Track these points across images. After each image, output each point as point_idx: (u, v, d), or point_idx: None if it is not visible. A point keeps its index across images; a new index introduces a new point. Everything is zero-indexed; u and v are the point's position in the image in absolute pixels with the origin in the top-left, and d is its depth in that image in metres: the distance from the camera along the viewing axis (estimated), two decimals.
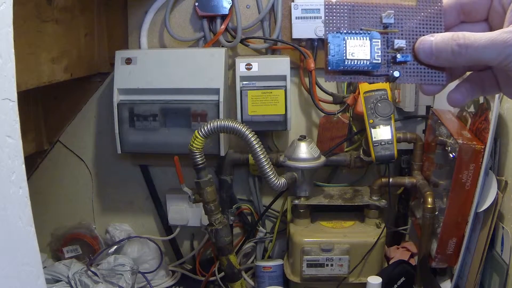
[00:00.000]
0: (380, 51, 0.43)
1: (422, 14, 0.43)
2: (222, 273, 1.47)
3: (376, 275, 1.28)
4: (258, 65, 1.42)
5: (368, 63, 0.43)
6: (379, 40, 0.43)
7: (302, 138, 1.38)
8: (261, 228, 1.61)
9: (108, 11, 1.54)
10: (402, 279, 1.33)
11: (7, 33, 0.56)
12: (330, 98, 1.51)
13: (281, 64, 1.43)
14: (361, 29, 0.43)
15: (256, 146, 1.21)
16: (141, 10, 1.55)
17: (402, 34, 0.44)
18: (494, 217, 1.07)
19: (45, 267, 1.45)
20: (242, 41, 1.49)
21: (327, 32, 0.44)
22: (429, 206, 1.23)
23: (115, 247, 1.57)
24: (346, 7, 0.43)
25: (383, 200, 1.38)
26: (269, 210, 1.60)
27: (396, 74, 0.44)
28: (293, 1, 1.47)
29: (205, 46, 1.52)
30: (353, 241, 1.32)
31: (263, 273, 1.47)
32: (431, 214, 1.23)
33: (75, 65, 1.37)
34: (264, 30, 1.52)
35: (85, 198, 1.69)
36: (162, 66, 1.42)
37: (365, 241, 1.32)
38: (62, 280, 1.42)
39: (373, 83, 0.39)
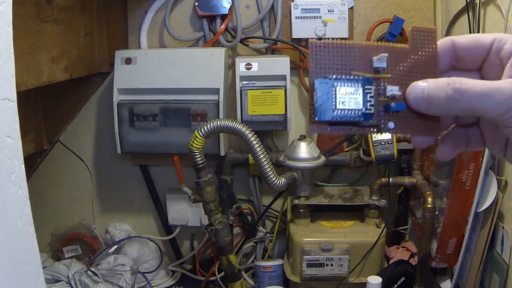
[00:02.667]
0: (373, 99, 0.38)
1: (416, 57, 0.40)
2: (222, 273, 1.47)
3: (376, 275, 1.28)
4: (258, 65, 1.42)
5: (360, 114, 0.38)
6: (372, 87, 0.38)
7: (302, 137, 1.38)
8: (261, 228, 1.61)
9: (108, 11, 1.53)
10: (402, 279, 1.33)
11: (6, 33, 0.56)
12: None
13: (281, 64, 1.43)
14: (352, 74, 0.38)
15: (256, 146, 1.21)
16: (141, 10, 1.55)
17: (394, 80, 0.39)
18: (494, 217, 1.07)
19: (45, 267, 1.45)
20: (242, 41, 1.49)
21: (313, 77, 0.38)
22: (429, 206, 1.23)
23: (115, 247, 1.57)
24: (334, 48, 0.38)
25: (383, 200, 1.38)
26: (269, 210, 1.60)
27: (391, 125, 0.39)
28: (293, 1, 1.47)
29: (205, 46, 1.52)
30: (353, 241, 1.32)
31: (263, 273, 1.47)
32: (431, 214, 1.23)
33: (75, 65, 1.37)
34: (264, 30, 1.52)
35: (85, 198, 1.69)
36: (162, 66, 1.42)
37: (365, 241, 1.32)
38: (62, 280, 1.42)
39: (362, 134, 0.36)
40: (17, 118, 0.58)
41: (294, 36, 1.48)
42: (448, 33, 1.39)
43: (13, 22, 0.57)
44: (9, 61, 0.56)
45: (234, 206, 1.56)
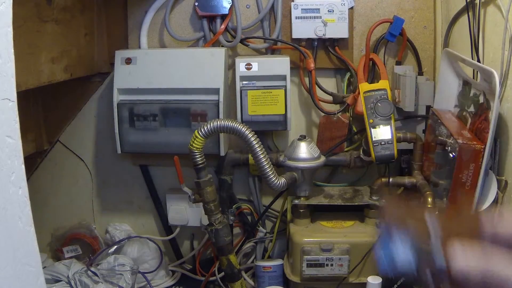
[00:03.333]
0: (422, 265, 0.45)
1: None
2: (222, 273, 1.47)
3: (376, 275, 1.28)
4: (258, 65, 1.42)
5: (412, 275, 0.46)
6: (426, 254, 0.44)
7: (302, 138, 1.38)
8: (261, 228, 1.61)
9: (108, 11, 1.53)
10: (402, 279, 1.33)
11: (6, 33, 0.56)
12: (330, 98, 1.51)
13: (281, 64, 1.43)
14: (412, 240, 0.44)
15: (256, 146, 1.21)
16: (141, 10, 1.55)
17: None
18: None
19: (45, 267, 1.45)
20: (242, 41, 1.49)
21: (382, 232, 0.46)
22: (429, 206, 1.23)
23: (115, 247, 1.57)
24: (401, 211, 0.46)
25: (383, 200, 1.37)
26: (269, 210, 1.60)
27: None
28: (293, 1, 1.47)
29: (205, 46, 1.52)
30: (353, 241, 1.32)
31: (263, 273, 1.47)
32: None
33: (75, 65, 1.37)
34: (264, 30, 1.52)
35: (85, 198, 1.69)
36: (162, 66, 1.42)
37: (365, 241, 1.32)
38: (62, 280, 1.42)
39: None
40: (17, 118, 0.58)
41: (294, 36, 1.48)
42: (448, 33, 1.39)
43: (13, 22, 0.57)
44: (9, 61, 0.56)
45: (234, 206, 1.56)
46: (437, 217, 0.43)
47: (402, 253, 0.43)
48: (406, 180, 1.39)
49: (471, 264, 0.40)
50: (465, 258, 0.41)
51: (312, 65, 1.44)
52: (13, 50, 0.57)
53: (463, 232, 0.42)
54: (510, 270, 0.39)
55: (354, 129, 1.51)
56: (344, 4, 1.45)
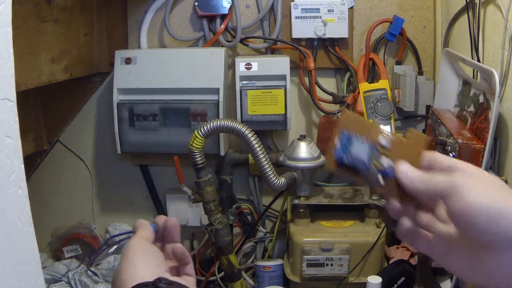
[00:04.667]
0: (372, 160, 0.53)
1: (409, 149, 0.53)
2: (222, 273, 1.47)
3: (376, 274, 1.28)
4: (258, 65, 1.42)
5: (364, 165, 0.52)
6: (377, 153, 0.52)
7: (302, 137, 1.38)
8: (261, 228, 1.61)
9: (108, 11, 1.53)
10: (402, 279, 1.33)
11: (6, 33, 0.56)
12: (330, 98, 1.50)
13: (280, 64, 1.43)
14: (366, 139, 0.53)
15: (256, 145, 1.21)
16: (141, 10, 1.55)
17: (391, 156, 0.53)
18: None
19: (45, 267, 1.45)
20: (241, 41, 1.49)
21: (342, 129, 0.53)
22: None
23: (115, 247, 1.57)
24: (357, 120, 0.54)
25: (383, 200, 1.37)
26: (269, 209, 1.60)
27: (382, 182, 0.52)
28: (292, 1, 1.47)
29: (204, 45, 1.52)
30: (353, 240, 1.32)
31: (263, 273, 1.47)
32: None
33: (75, 65, 1.37)
34: (263, 29, 1.52)
35: (85, 198, 1.69)
36: (162, 66, 1.42)
37: (365, 241, 1.32)
38: (62, 280, 1.42)
39: (357, 182, 0.51)
40: (16, 118, 0.58)
41: (294, 36, 1.48)
42: (448, 32, 1.39)
43: (13, 22, 0.57)
44: (9, 61, 0.56)
45: (234, 206, 1.56)
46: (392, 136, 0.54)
47: (358, 147, 0.52)
48: None
49: (416, 172, 0.50)
50: (410, 166, 0.51)
51: (312, 65, 1.44)
52: (12, 50, 0.57)
53: (408, 153, 0.52)
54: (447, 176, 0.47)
55: None
56: (344, 4, 1.45)
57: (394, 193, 0.52)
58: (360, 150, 0.52)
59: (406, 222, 0.53)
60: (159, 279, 0.53)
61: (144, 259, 0.58)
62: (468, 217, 0.43)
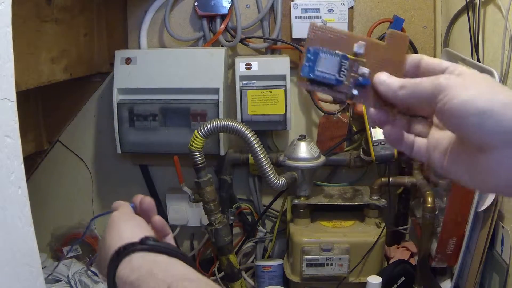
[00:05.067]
0: (345, 71, 0.50)
1: (388, 54, 0.50)
2: (222, 273, 1.47)
3: (376, 274, 1.28)
4: (258, 65, 1.42)
5: (334, 79, 0.50)
6: (347, 63, 0.50)
7: (302, 137, 1.38)
8: (261, 227, 1.61)
9: (108, 11, 1.53)
10: (402, 279, 1.33)
11: (5, 33, 0.56)
12: (330, 98, 1.50)
13: (280, 64, 1.43)
14: (335, 51, 0.50)
15: (256, 145, 1.21)
16: (141, 9, 1.55)
17: (367, 64, 0.50)
18: (494, 217, 1.07)
19: (45, 267, 1.45)
20: (241, 41, 1.49)
21: (307, 44, 0.51)
22: (429, 205, 1.23)
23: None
24: (328, 31, 0.51)
25: (383, 200, 1.38)
26: (269, 209, 1.60)
27: (355, 92, 0.50)
28: (292, 1, 1.47)
29: (204, 45, 1.52)
30: (353, 240, 1.32)
31: (263, 272, 1.47)
32: (431, 213, 1.23)
33: (75, 65, 1.37)
34: (263, 29, 1.52)
35: (85, 198, 1.69)
36: (161, 65, 1.42)
37: (365, 241, 1.32)
38: (62, 280, 1.42)
39: (334, 97, 0.48)
40: (16, 118, 0.58)
41: (294, 36, 1.48)
42: (448, 32, 1.38)
43: (13, 22, 0.57)
44: (9, 61, 0.56)
45: (234, 206, 1.56)
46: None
47: (324, 60, 0.50)
48: (406, 179, 1.39)
49: (395, 80, 0.48)
50: (387, 75, 0.49)
51: None
52: (12, 50, 0.57)
53: (388, 58, 0.51)
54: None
55: (354, 128, 1.51)
56: (344, 4, 1.45)
57: (373, 102, 0.50)
58: (327, 63, 0.50)
59: (388, 130, 0.51)
60: (146, 237, 0.53)
61: (128, 225, 0.59)
62: (458, 118, 0.42)
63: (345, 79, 0.50)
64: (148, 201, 0.66)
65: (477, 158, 0.43)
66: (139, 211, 0.66)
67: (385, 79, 0.48)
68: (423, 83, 0.45)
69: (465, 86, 0.42)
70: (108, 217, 0.67)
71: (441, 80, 0.44)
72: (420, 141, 0.50)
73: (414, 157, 0.52)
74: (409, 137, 0.51)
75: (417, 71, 0.49)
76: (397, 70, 0.50)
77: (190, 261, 0.55)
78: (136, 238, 0.54)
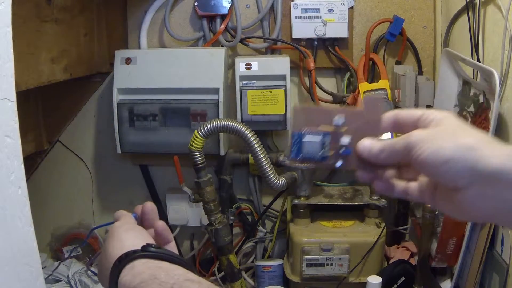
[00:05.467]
0: (329, 145, 0.55)
1: (366, 119, 0.55)
2: (222, 273, 1.47)
3: (376, 274, 1.28)
4: (258, 65, 1.42)
5: (318, 156, 0.55)
6: (329, 137, 0.55)
7: None
8: (261, 227, 1.61)
9: (108, 11, 1.53)
10: (402, 279, 1.33)
11: (5, 33, 0.56)
12: (330, 98, 1.50)
13: (280, 64, 1.43)
14: (318, 130, 0.55)
15: (256, 145, 1.21)
16: (141, 9, 1.55)
17: (349, 131, 0.55)
18: None
19: (45, 267, 1.45)
20: (241, 41, 1.49)
21: (292, 130, 0.56)
22: (429, 205, 1.23)
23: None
24: (309, 111, 0.56)
25: (383, 200, 1.38)
26: (269, 209, 1.60)
27: (338, 164, 0.55)
28: (292, 1, 1.47)
29: (204, 45, 1.52)
30: (353, 240, 1.32)
31: (263, 272, 1.47)
32: (431, 213, 1.23)
33: (75, 65, 1.37)
34: (263, 29, 1.52)
35: (85, 198, 1.69)
36: (161, 65, 1.42)
37: (365, 241, 1.32)
38: (62, 280, 1.42)
39: (325, 167, 0.55)
40: (16, 118, 0.58)
41: (294, 36, 1.48)
42: (448, 32, 1.38)
43: (13, 22, 0.57)
44: (9, 61, 0.56)
45: (234, 206, 1.56)
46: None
47: (308, 143, 0.56)
48: None
49: (376, 145, 0.53)
50: (370, 141, 0.54)
51: (312, 65, 1.44)
52: (12, 50, 0.57)
53: (367, 122, 0.55)
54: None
55: None
56: (344, 4, 1.45)
57: (357, 165, 0.55)
58: (311, 146, 0.55)
59: (379, 185, 0.56)
60: (148, 244, 0.55)
61: (129, 234, 0.59)
62: (429, 168, 0.48)
63: (329, 153, 0.55)
64: (149, 207, 0.68)
65: (455, 197, 0.48)
66: (141, 215, 0.66)
67: (366, 146, 0.53)
68: (398, 143, 0.51)
69: (432, 139, 0.48)
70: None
71: (411, 139, 0.49)
72: (412, 185, 0.55)
73: (409, 199, 0.57)
74: (399, 183, 0.55)
75: (396, 126, 0.55)
76: (375, 130, 0.54)
77: (192, 267, 0.56)
78: (137, 247, 0.55)
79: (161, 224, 0.66)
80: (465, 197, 0.47)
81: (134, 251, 0.54)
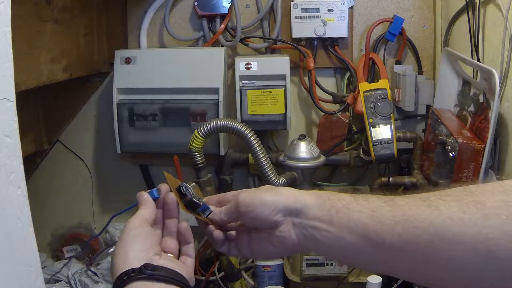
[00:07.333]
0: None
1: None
2: (222, 273, 1.47)
3: (376, 274, 1.27)
4: (258, 65, 1.42)
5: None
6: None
7: (301, 137, 1.38)
8: None
9: (108, 11, 1.53)
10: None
11: (5, 33, 0.56)
12: (330, 98, 1.50)
13: (280, 64, 1.43)
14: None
15: (256, 145, 1.21)
16: (141, 9, 1.55)
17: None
18: None
19: (45, 267, 1.45)
20: (241, 41, 1.49)
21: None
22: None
23: (115, 246, 1.57)
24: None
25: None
26: None
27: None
28: (292, 1, 1.47)
29: (204, 45, 1.52)
30: None
31: (263, 272, 1.47)
32: None
33: (75, 65, 1.37)
34: (263, 29, 1.52)
35: (85, 198, 1.69)
36: (161, 65, 1.42)
37: None
38: (62, 280, 1.42)
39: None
40: (16, 118, 0.58)
41: (294, 36, 1.48)
42: (448, 32, 1.38)
43: (13, 22, 0.57)
44: (8, 61, 0.56)
45: None
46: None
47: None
48: (406, 179, 1.39)
49: (221, 210, 0.70)
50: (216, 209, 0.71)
51: (311, 65, 1.44)
52: (11, 50, 0.57)
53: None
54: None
55: (354, 128, 1.51)
56: (343, 4, 1.45)
57: (212, 227, 0.71)
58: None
59: (232, 249, 0.70)
60: (145, 266, 0.58)
61: (135, 244, 0.62)
62: (250, 214, 0.64)
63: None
64: (172, 200, 0.72)
65: (273, 233, 0.63)
66: (163, 206, 0.71)
67: (215, 213, 0.72)
68: (230, 204, 0.68)
69: (252, 192, 0.65)
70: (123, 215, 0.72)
71: (238, 197, 0.65)
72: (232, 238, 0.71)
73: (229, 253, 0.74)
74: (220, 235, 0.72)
75: (220, 203, 0.72)
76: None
77: (188, 285, 0.61)
78: (140, 260, 0.60)
79: (184, 225, 0.71)
80: (281, 229, 0.62)
81: (133, 271, 0.58)
